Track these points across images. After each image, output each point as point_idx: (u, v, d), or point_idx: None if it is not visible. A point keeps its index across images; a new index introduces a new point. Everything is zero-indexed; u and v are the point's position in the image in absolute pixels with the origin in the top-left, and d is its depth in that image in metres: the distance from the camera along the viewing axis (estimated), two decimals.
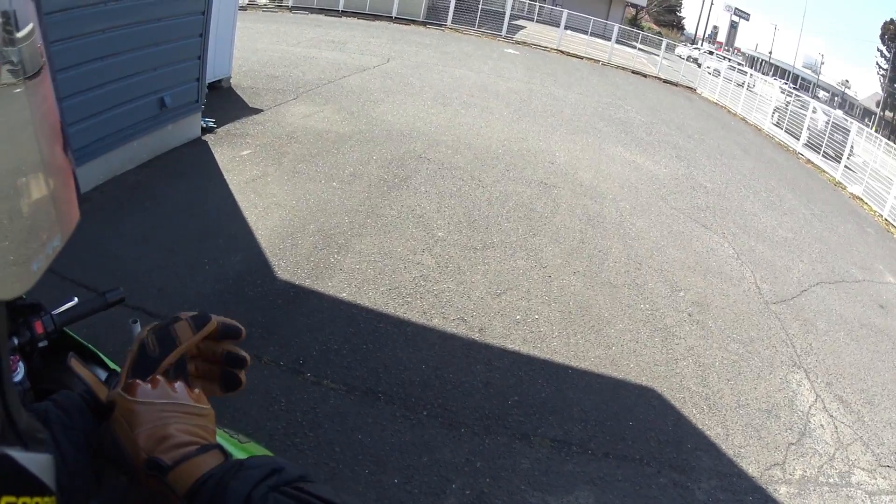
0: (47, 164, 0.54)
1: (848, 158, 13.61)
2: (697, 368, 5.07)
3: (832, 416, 4.96)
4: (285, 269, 5.17)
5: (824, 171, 13.83)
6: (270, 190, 6.43)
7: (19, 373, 1.31)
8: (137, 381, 0.83)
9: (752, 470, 4.19)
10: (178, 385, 0.86)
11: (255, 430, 3.64)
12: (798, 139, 15.08)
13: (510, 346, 4.82)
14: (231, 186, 6.35)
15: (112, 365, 1.55)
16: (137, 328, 1.65)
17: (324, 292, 4.99)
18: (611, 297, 5.76)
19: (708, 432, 4.43)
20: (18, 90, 0.48)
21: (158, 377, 0.85)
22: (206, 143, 7.24)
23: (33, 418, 0.66)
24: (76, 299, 1.52)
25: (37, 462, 0.53)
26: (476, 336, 4.85)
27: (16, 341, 1.33)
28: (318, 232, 5.81)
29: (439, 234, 6.26)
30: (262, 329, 4.45)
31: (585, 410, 4.35)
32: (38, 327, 1.37)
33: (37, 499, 0.52)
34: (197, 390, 0.90)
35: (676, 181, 9.29)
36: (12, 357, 1.29)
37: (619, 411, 4.42)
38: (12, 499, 0.48)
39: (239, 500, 0.72)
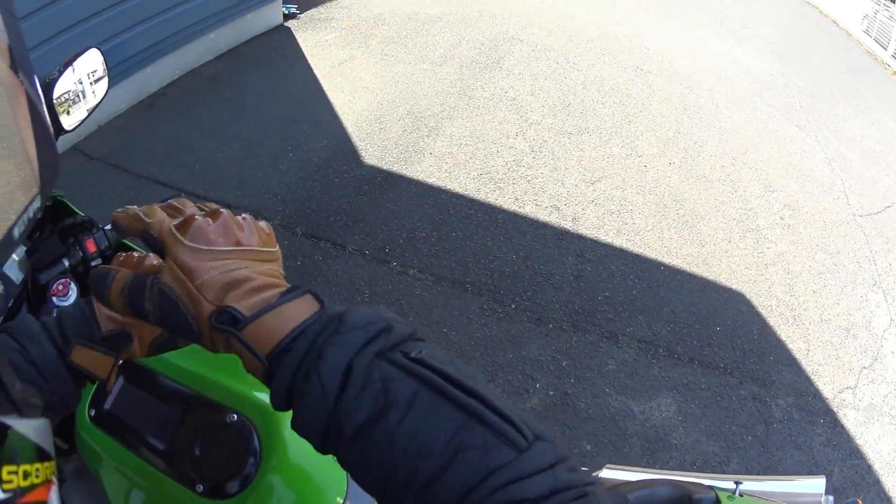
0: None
1: None
2: (786, 276, 4.43)
3: None
4: (372, 153, 4.61)
5: None
6: (357, 73, 5.75)
7: (71, 295, 1.16)
8: (195, 215, 0.59)
9: (826, 391, 3.69)
10: (246, 219, 0.62)
11: None
12: (886, 49, 13.47)
13: (603, 237, 4.24)
14: (316, 72, 5.68)
15: None
16: None
17: (412, 177, 4.44)
18: (705, 192, 5.04)
19: (791, 345, 3.89)
20: None
21: (221, 209, 0.61)
22: (288, 29, 6.49)
23: (26, 384, 0.55)
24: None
25: (34, 428, 0.48)
26: (569, 225, 4.25)
27: (66, 263, 1.17)
28: (408, 115, 5.17)
29: (533, 117, 5.52)
30: (347, 217, 3.98)
31: (675, 311, 3.81)
32: (90, 246, 1.20)
33: (37, 465, 0.46)
34: (265, 226, 0.64)
35: (771, 77, 8.19)
36: (63, 280, 1.16)
37: (708, 314, 3.88)
38: (13, 467, 0.44)
39: (337, 372, 0.53)
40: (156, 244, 0.60)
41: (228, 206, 2.89)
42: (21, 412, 0.49)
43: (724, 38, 9.23)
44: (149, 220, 0.61)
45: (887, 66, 13.11)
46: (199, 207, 0.65)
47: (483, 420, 0.53)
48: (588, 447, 2.95)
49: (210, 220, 0.60)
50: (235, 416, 1.00)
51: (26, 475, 0.45)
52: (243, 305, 0.56)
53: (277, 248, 0.64)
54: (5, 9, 0.48)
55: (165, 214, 0.62)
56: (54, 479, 0.49)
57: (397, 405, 0.53)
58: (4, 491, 0.42)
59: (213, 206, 0.64)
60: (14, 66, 0.49)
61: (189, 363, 1.02)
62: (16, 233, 0.43)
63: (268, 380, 0.57)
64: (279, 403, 0.57)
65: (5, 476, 0.42)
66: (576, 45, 7.35)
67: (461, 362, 0.59)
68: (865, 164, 6.72)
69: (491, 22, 7.54)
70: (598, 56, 7.16)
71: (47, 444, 0.50)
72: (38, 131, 0.50)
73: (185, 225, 0.58)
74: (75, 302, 0.83)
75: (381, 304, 3.31)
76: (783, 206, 5.20)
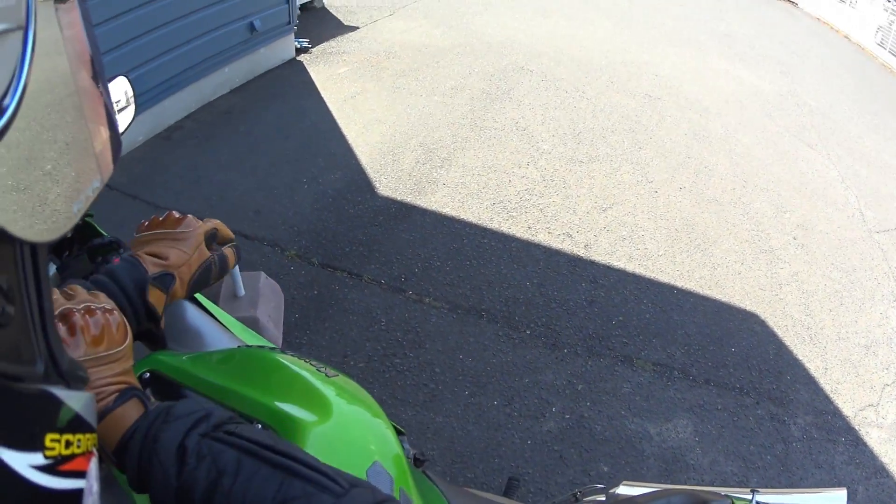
0: (78, 85, 0.49)
1: None
2: (801, 295, 4.46)
3: None
4: (387, 185, 4.74)
5: None
6: (370, 106, 5.90)
7: None
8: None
9: (846, 409, 3.70)
10: (97, 316, 0.74)
11: (355, 352, 3.33)
12: None
13: (616, 263, 4.32)
14: (329, 104, 5.85)
15: (196, 295, 1.34)
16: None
17: (427, 208, 4.56)
18: (717, 215, 5.12)
19: (808, 364, 3.92)
20: (48, 5, 0.45)
21: (72, 310, 0.73)
22: (301, 63, 6.69)
23: (75, 360, 0.60)
24: None
25: (79, 400, 0.51)
26: (581, 252, 4.35)
27: None
28: (421, 146, 5.31)
29: (544, 146, 5.65)
30: (362, 247, 4.08)
31: (689, 334, 3.88)
32: None
33: (79, 436, 0.49)
34: (115, 319, 0.77)
35: (781, 97, 8.26)
36: None
37: (723, 336, 3.93)
38: (56, 436, 0.46)
39: (172, 452, 0.67)
40: None
41: (245, 237, 3.03)
42: (68, 384, 0.52)
43: (731, 61, 9.33)
44: None
45: None
46: (63, 292, 0.78)
47: (299, 474, 0.65)
48: (605, 469, 3.01)
49: (62, 325, 0.71)
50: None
51: (68, 444, 0.47)
52: None
53: (126, 342, 0.77)
54: (86, 19, 0.53)
55: None
56: (95, 451, 0.53)
57: (227, 473, 0.65)
58: (46, 457, 0.44)
59: (77, 293, 0.78)
60: (96, 76, 0.55)
61: (213, 375, 1.06)
62: (75, 209, 0.49)
63: (121, 469, 0.70)
64: (135, 486, 0.69)
65: (48, 443, 0.45)
66: (584, 73, 7.49)
67: (277, 436, 0.73)
68: (882, 180, 6.74)
69: (500, 53, 7.71)
70: (607, 84, 7.30)
71: (90, 417, 0.53)
72: (112, 135, 0.58)
73: None
74: (122, 258, 0.98)
75: (398, 332, 3.41)
76: (796, 227, 5.25)
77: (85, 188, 0.50)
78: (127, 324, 0.80)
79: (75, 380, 0.54)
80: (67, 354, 0.56)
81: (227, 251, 1.05)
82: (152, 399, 0.77)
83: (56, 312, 0.72)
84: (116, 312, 0.78)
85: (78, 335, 0.71)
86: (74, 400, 0.50)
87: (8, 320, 0.44)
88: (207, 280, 0.99)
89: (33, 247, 0.46)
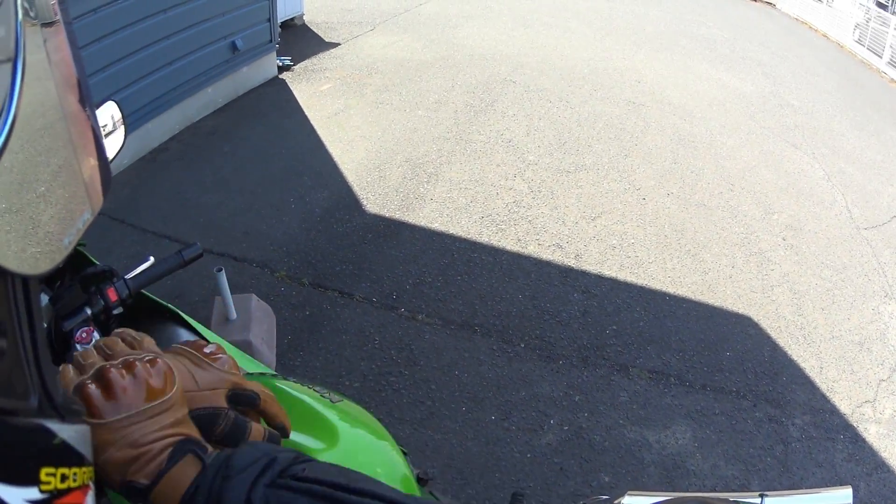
0: (65, 112, 0.49)
1: None
2: (793, 296, 4.49)
3: None
4: (374, 202, 4.75)
5: None
6: (354, 123, 5.94)
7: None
8: (86, 382, 0.63)
9: (843, 406, 3.71)
10: (138, 373, 0.65)
11: (349, 372, 3.31)
12: (881, 57, 13.55)
13: (607, 272, 4.34)
14: (313, 122, 5.88)
15: (192, 322, 1.35)
16: (223, 276, 1.41)
17: (415, 224, 4.57)
18: (705, 220, 5.15)
19: (803, 364, 3.94)
20: (35, 29, 0.45)
21: (108, 368, 0.64)
22: (283, 81, 6.75)
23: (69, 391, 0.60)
24: (151, 259, 1.35)
25: (74, 433, 0.50)
26: (572, 262, 4.37)
27: (88, 311, 1.19)
28: (407, 162, 5.33)
29: (530, 157, 5.69)
30: (352, 265, 4.08)
31: (683, 340, 3.89)
32: (112, 295, 1.22)
33: (74, 469, 0.48)
34: (160, 369, 0.67)
35: (763, 99, 8.36)
36: (86, 328, 1.18)
37: (717, 341, 3.95)
38: (51, 469, 0.45)
39: None
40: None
41: (235, 259, 3.01)
42: (63, 417, 0.51)
43: (713, 64, 9.43)
44: (64, 381, 0.64)
45: (884, 74, 13.17)
46: (100, 349, 0.70)
47: None
48: (606, 479, 3.00)
49: (98, 386, 0.63)
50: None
51: (64, 478, 0.46)
52: (141, 475, 0.62)
53: (174, 390, 0.67)
54: (73, 43, 0.52)
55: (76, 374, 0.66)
56: (91, 485, 0.51)
57: None
58: (42, 491, 0.43)
59: (115, 347, 0.70)
60: (82, 100, 0.54)
61: None
62: (66, 242, 0.48)
63: None
64: None
65: (43, 477, 0.44)
66: (567, 82, 7.55)
67: (348, 469, 0.66)
68: (867, 177, 6.81)
69: (482, 65, 7.76)
70: (591, 92, 7.36)
71: (86, 450, 0.52)
72: (100, 159, 0.57)
73: (81, 395, 0.62)
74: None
75: (392, 350, 3.38)
76: (784, 227, 5.29)
77: (76, 221, 0.50)
78: (174, 370, 0.70)
79: (70, 413, 0.53)
80: (62, 388, 0.54)
81: (255, 424, 0.79)
82: (209, 448, 0.67)
83: (91, 372, 0.65)
84: (160, 360, 0.68)
85: (118, 395, 0.63)
86: (69, 433, 0.49)
87: (0, 354, 0.43)
88: (210, 431, 0.75)
89: (25, 280, 0.45)
